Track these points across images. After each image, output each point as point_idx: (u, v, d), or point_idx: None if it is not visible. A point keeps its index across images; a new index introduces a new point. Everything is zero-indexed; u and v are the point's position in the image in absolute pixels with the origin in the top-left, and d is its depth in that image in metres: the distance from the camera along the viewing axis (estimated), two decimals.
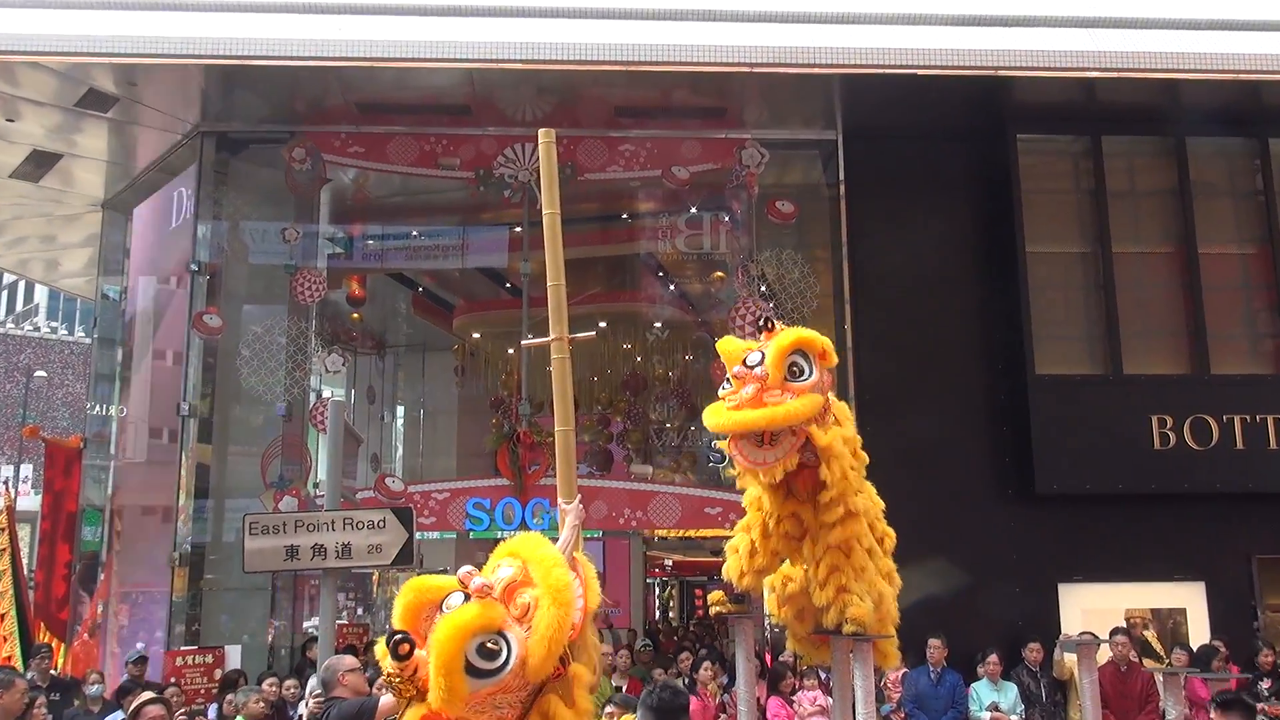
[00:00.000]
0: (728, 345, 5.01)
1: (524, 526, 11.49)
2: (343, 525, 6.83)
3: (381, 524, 6.91)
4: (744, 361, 4.85)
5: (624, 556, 18.05)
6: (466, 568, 3.79)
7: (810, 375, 4.83)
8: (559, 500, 4.72)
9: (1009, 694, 9.77)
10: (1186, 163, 11.92)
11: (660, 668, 11.01)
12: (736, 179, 12.36)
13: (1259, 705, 8.77)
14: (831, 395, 5.10)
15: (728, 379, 4.93)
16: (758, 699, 7.78)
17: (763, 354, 4.82)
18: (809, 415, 4.76)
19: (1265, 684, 9.25)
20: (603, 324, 15.80)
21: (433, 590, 3.83)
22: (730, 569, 5.40)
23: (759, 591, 5.63)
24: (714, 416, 4.82)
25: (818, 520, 5.08)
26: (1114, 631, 9.73)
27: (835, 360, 5.01)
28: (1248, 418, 11.20)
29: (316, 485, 11.81)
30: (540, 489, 11.62)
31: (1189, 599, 11.16)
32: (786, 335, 4.89)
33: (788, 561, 5.49)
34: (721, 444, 4.96)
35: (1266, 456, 11.12)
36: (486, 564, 3.89)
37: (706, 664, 9.34)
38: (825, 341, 4.96)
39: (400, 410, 18.99)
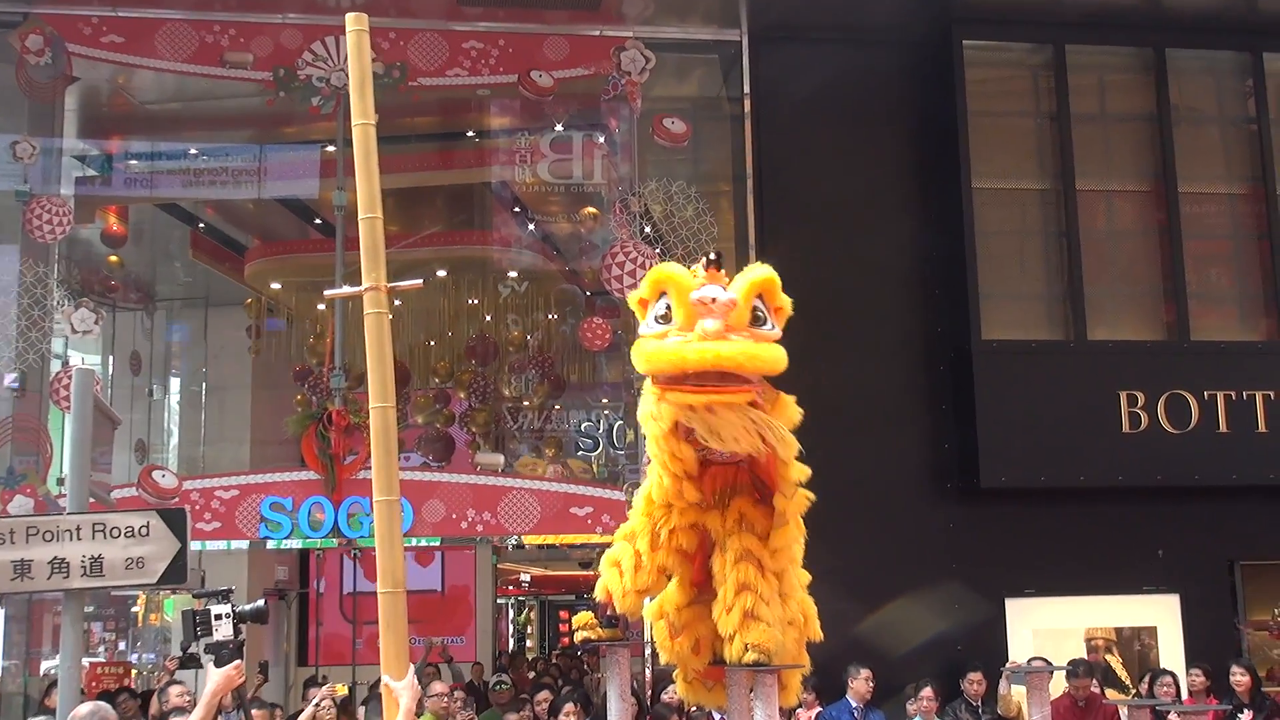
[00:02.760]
0: (672, 270, 4.96)
1: (336, 532, 11.36)
2: (93, 533, 6.60)
3: (145, 531, 6.70)
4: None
5: (468, 571, 18.05)
6: None
7: (773, 327, 4.94)
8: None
9: None
10: (1166, 79, 12.31)
11: (513, 711, 11.01)
12: (614, 89, 12.31)
13: None
14: None
15: (656, 316, 4.89)
16: None
17: (723, 289, 4.81)
18: (777, 366, 4.83)
19: (1245, 716, 9.68)
20: (442, 272, 15.69)
21: None
22: (609, 586, 5.41)
23: (639, 616, 5.66)
24: (662, 354, 4.72)
25: (725, 530, 5.18)
26: (1072, 663, 10.07)
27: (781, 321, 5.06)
28: (1232, 394, 11.66)
29: (60, 481, 11.46)
30: (358, 484, 11.47)
31: (1161, 615, 11.61)
32: (760, 271, 4.95)
33: (674, 580, 5.53)
34: (655, 392, 4.85)
35: (1254, 442, 11.61)
36: None
37: (569, 705, 9.36)
38: (787, 300, 5.05)
39: (175, 384, 18.55)
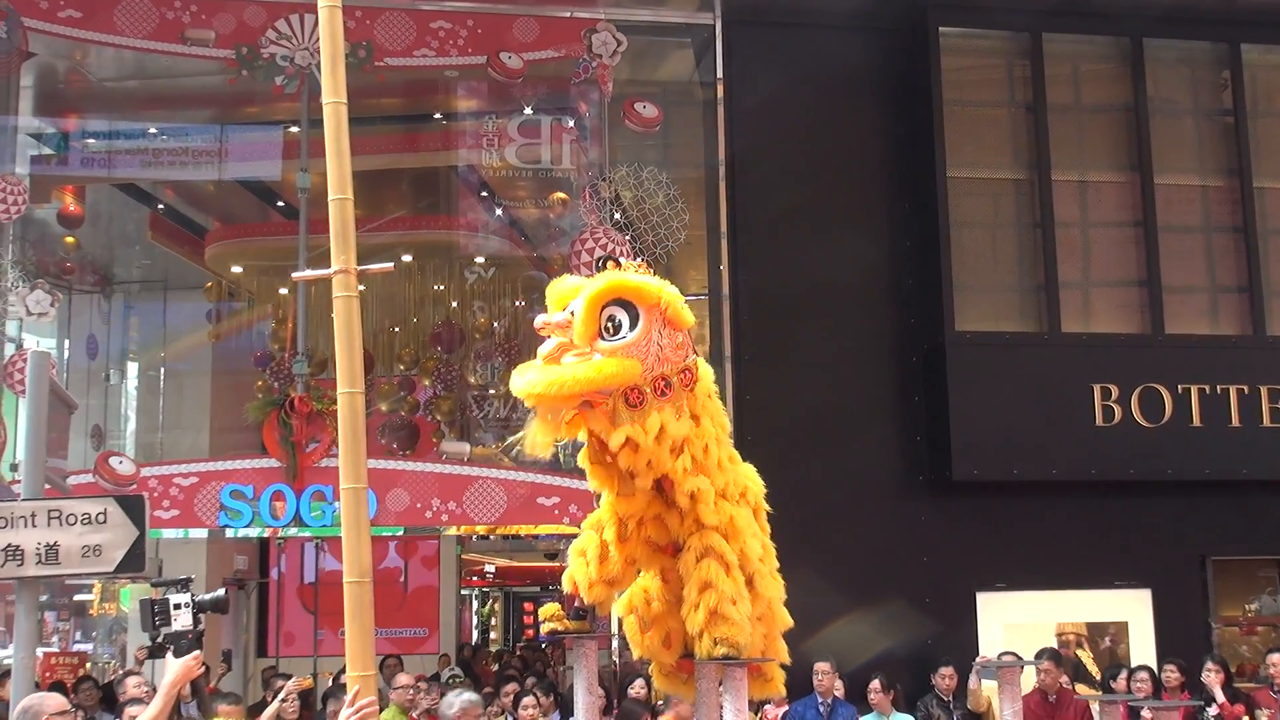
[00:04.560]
0: (556, 288, 5.09)
1: (298, 521, 11.30)
2: (47, 520, 6.53)
3: (102, 518, 6.64)
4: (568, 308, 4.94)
5: (431, 561, 17.98)
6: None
7: (628, 333, 4.90)
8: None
9: None
10: (1143, 68, 12.36)
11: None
12: (585, 72, 12.28)
13: None
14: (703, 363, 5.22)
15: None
16: None
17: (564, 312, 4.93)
18: (605, 384, 4.81)
19: (1212, 710, 9.77)
20: (407, 257, 15.62)
21: None
22: (575, 576, 5.43)
23: (608, 608, 5.67)
24: (515, 377, 4.95)
25: (685, 529, 5.19)
26: (1040, 654, 10.14)
27: (688, 321, 5.07)
28: (1206, 388, 11.76)
29: (14, 467, 11.36)
30: (320, 472, 11.42)
31: (1132, 610, 11.70)
32: (601, 280, 4.95)
33: (646, 575, 5.54)
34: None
35: (1227, 436, 11.70)
36: None
37: (531, 697, 9.36)
38: (669, 295, 5.00)
39: (133, 369, 18.41)
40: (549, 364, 4.83)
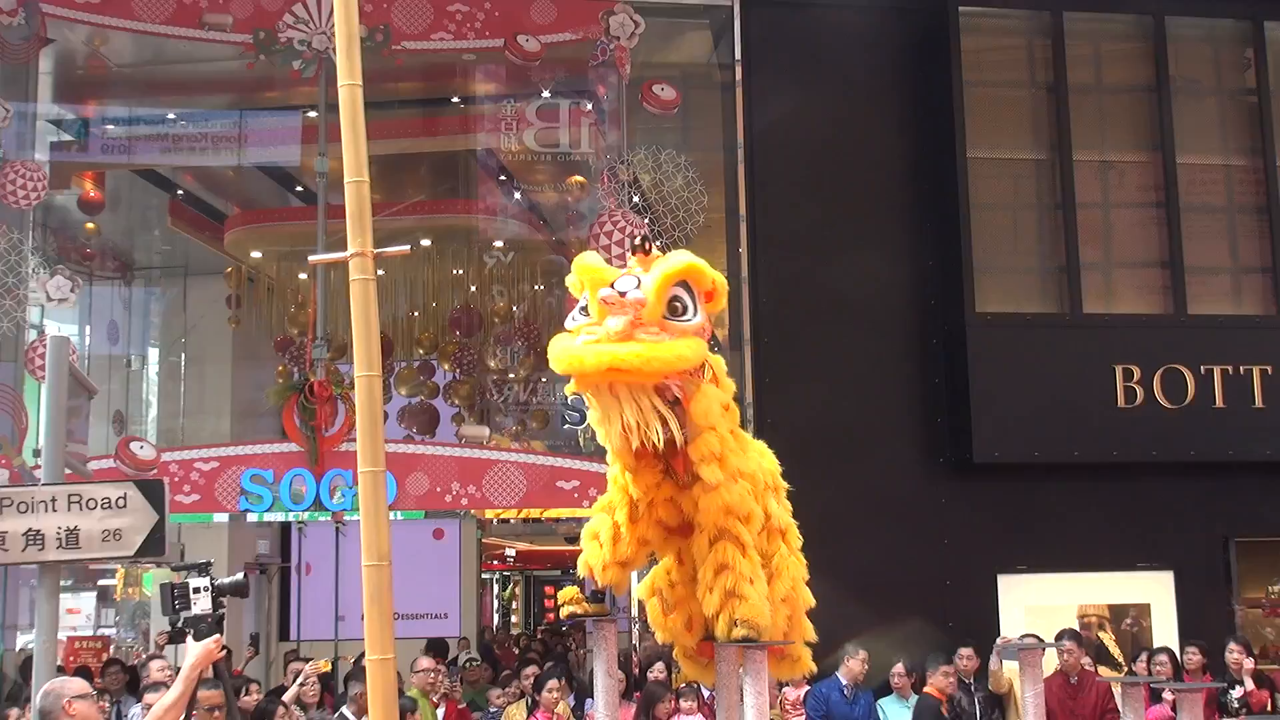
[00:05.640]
0: (588, 263, 5.03)
1: (318, 506, 11.32)
2: (68, 504, 6.54)
3: (122, 502, 6.64)
4: (612, 286, 4.86)
5: (452, 545, 17.96)
6: None
7: (695, 316, 4.93)
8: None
9: None
10: (1165, 47, 12.25)
11: (500, 689, 11.04)
12: (602, 55, 12.24)
13: None
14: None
15: (582, 307, 4.90)
16: None
17: (639, 280, 4.86)
18: (696, 363, 4.86)
19: (1237, 692, 9.70)
20: (426, 242, 15.62)
21: None
22: (589, 559, 5.45)
23: (624, 589, 5.68)
24: (566, 355, 4.79)
25: (699, 510, 5.19)
26: (1061, 635, 10.09)
27: (724, 303, 5.14)
28: (1229, 369, 11.68)
29: (37, 453, 11.41)
30: (340, 457, 11.43)
31: (1155, 592, 11.65)
32: (675, 260, 4.96)
33: (668, 558, 5.56)
34: (571, 390, 4.95)
35: (1250, 417, 11.63)
36: None
37: (553, 682, 9.38)
38: (717, 277, 5.06)
39: (154, 354, 18.48)
40: (621, 340, 4.72)
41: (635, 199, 12.19)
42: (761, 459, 5.58)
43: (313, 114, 12.70)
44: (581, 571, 5.52)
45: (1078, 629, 10.82)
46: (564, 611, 5.86)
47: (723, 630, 5.11)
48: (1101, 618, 11.66)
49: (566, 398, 16.54)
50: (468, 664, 12.73)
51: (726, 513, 5.13)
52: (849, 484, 11.04)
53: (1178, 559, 11.66)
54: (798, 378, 11.47)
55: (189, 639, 5.60)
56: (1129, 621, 11.74)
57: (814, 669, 6.12)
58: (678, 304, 4.90)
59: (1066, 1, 12.18)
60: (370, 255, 4.73)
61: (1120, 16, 12.47)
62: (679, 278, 4.90)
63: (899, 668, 10.10)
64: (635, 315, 4.76)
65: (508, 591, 25.91)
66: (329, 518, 12.36)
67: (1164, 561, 11.65)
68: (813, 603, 5.70)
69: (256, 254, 16.38)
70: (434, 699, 9.98)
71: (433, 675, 10.00)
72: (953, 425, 11.58)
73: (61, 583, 7.38)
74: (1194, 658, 10.17)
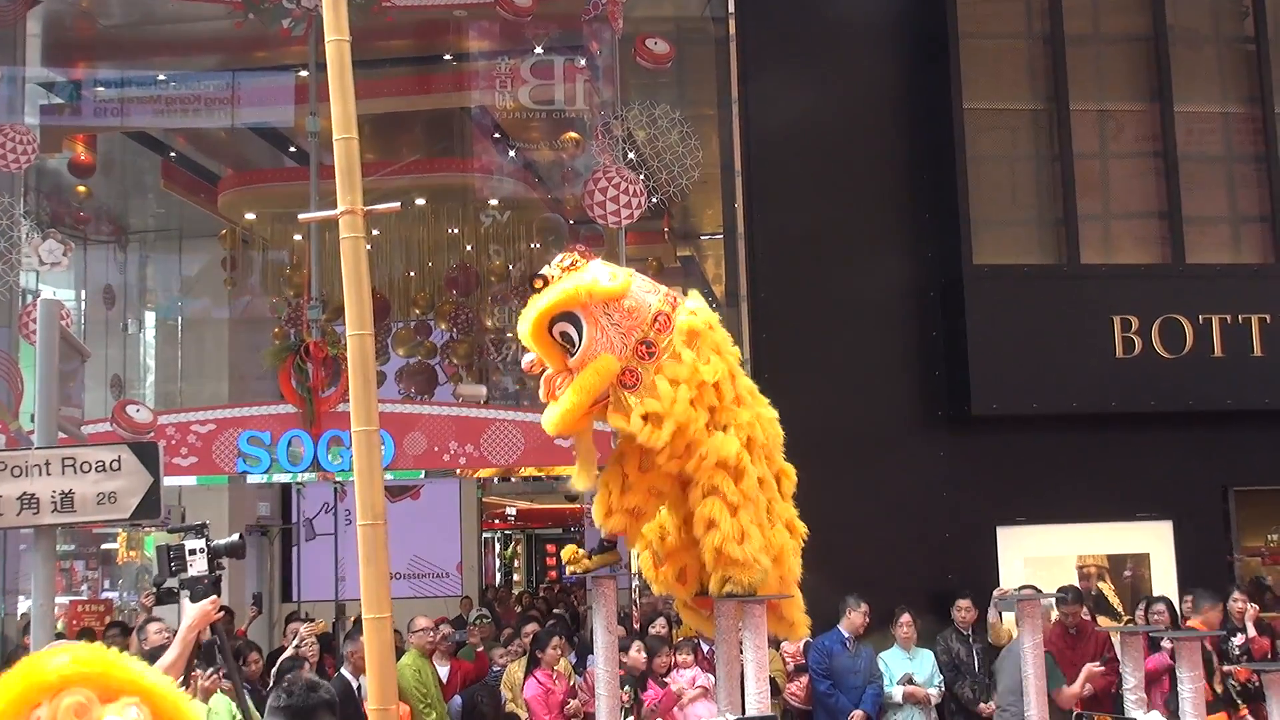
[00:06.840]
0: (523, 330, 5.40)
1: (316, 466, 11.29)
2: (62, 467, 6.48)
3: (116, 465, 6.58)
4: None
5: (451, 504, 18.02)
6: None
7: (581, 341, 5.16)
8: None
9: (925, 662, 10.08)
10: None
11: (502, 647, 11.07)
12: (595, 9, 12.13)
13: (1225, 668, 9.24)
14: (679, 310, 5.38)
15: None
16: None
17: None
18: (595, 393, 5.16)
19: (1238, 639, 9.70)
20: (421, 201, 15.55)
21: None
22: (596, 507, 5.55)
23: (632, 541, 5.72)
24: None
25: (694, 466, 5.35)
26: (1061, 590, 10.09)
27: (620, 290, 5.26)
28: (1227, 318, 11.64)
29: (33, 417, 11.38)
30: (337, 417, 11.40)
31: (1153, 542, 11.66)
32: (530, 316, 5.20)
33: (664, 509, 5.58)
34: None
35: (1248, 366, 11.60)
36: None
37: (556, 639, 9.41)
38: (585, 289, 5.18)
39: (150, 318, 18.47)
40: (549, 400, 5.26)
41: (630, 155, 12.13)
42: (760, 414, 5.60)
43: (304, 73, 12.65)
44: (597, 519, 5.62)
45: (1078, 585, 10.82)
46: (569, 569, 6.00)
47: (715, 588, 5.26)
48: (1100, 568, 11.67)
49: None
50: (478, 620, 12.75)
51: (717, 467, 5.24)
52: (847, 437, 11.02)
53: (1177, 509, 11.65)
54: (794, 330, 11.43)
55: (185, 600, 5.58)
56: (1128, 572, 11.75)
57: (808, 635, 6.18)
58: (566, 341, 5.17)
59: None
60: (360, 213, 4.67)
61: None
62: (541, 328, 5.18)
63: (906, 617, 10.10)
64: (547, 379, 5.25)
65: (509, 551, 25.97)
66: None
67: (1163, 511, 11.65)
68: (798, 575, 5.76)
69: (250, 215, 16.35)
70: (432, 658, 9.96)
71: (431, 634, 9.99)
72: (951, 377, 11.55)
73: (59, 547, 7.36)
74: (1244, 606, 10.12)
